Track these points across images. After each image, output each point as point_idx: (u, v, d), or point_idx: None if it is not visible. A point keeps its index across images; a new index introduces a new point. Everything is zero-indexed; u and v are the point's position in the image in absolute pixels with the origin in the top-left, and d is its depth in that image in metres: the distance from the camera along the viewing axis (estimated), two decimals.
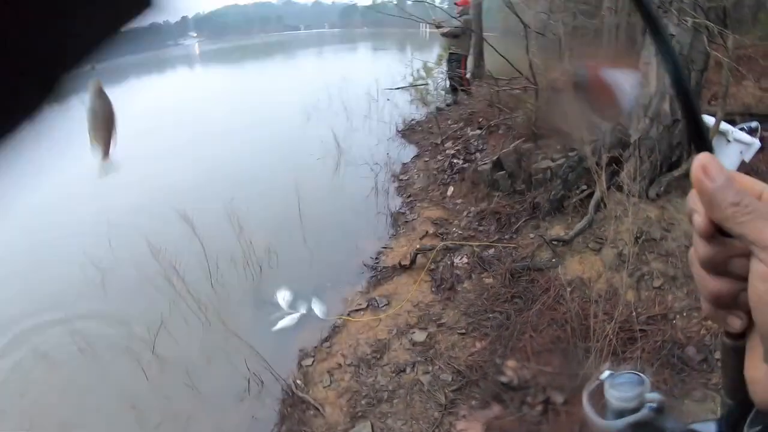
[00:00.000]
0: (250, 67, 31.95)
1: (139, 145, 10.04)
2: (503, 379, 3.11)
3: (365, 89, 11.93)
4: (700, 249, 0.45)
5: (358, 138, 9.32)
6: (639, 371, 0.73)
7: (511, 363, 3.20)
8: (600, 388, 0.74)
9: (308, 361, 4.09)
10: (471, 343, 3.80)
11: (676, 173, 4.36)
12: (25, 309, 5.24)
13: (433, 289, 4.45)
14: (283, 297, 4.92)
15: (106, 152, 0.57)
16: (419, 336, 3.91)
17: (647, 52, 4.30)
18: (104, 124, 0.58)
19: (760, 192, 0.44)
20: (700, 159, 0.44)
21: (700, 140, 0.47)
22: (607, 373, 0.75)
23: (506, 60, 7.28)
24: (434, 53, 12.09)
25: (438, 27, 10.10)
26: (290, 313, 4.72)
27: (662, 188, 4.27)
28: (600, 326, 3.19)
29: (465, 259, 4.65)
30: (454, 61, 10.13)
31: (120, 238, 6.10)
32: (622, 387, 0.72)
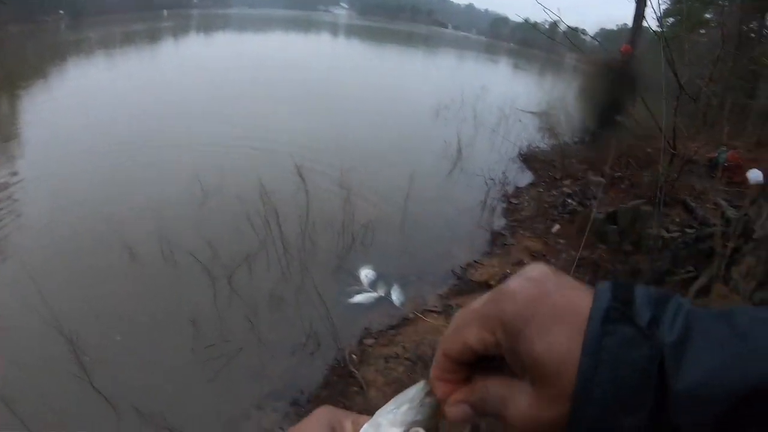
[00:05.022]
0: (390, 51, 32.28)
1: (272, 92, 10.53)
2: None
3: (498, 104, 11.76)
4: None
5: (480, 149, 9.22)
6: None
7: None
8: None
9: (370, 341, 4.10)
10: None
11: None
12: (129, 203, 5.65)
13: None
14: (366, 274, 4.96)
15: None
16: None
17: None
18: None
19: None
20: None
21: None
22: None
23: (653, 117, 6.87)
24: (575, 85, 11.63)
25: (590, 63, 9.79)
26: (369, 292, 4.74)
27: None
28: None
29: None
30: (600, 102, 9.71)
31: (234, 165, 6.40)
32: None
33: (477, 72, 26.40)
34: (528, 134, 10.27)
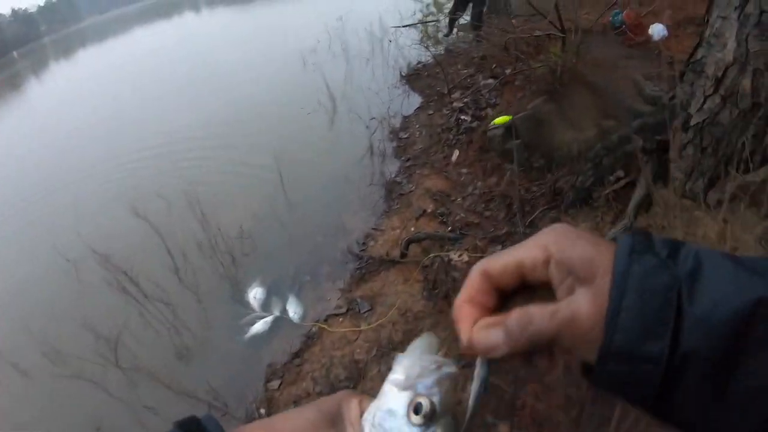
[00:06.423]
0: (258, 9, 29.41)
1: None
2: None
3: (367, 28, 10.71)
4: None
5: (357, 85, 8.35)
6: None
7: (504, 429, 2.44)
8: None
9: (275, 384, 3.48)
10: (462, 386, 3.09)
11: (749, 177, 2.94)
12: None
13: (424, 294, 3.66)
14: (254, 295, 4.29)
15: None
16: None
17: (725, 2, 2.95)
18: None
19: None
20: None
21: None
22: None
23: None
24: None
25: None
26: (263, 316, 4.09)
27: (727, 194, 2.84)
28: None
29: (465, 257, 3.75)
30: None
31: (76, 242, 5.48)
32: None
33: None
34: (407, 51, 9.24)
